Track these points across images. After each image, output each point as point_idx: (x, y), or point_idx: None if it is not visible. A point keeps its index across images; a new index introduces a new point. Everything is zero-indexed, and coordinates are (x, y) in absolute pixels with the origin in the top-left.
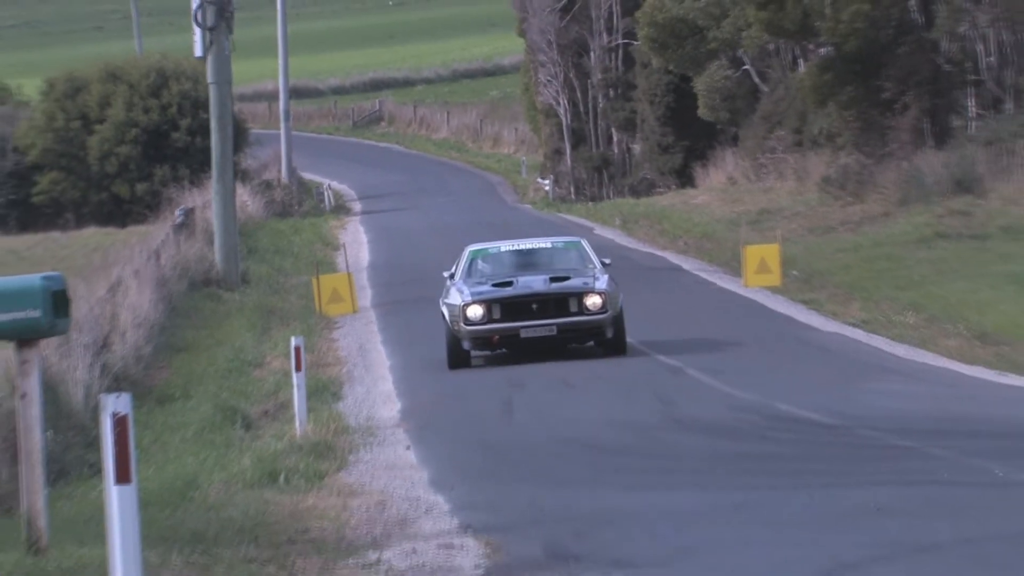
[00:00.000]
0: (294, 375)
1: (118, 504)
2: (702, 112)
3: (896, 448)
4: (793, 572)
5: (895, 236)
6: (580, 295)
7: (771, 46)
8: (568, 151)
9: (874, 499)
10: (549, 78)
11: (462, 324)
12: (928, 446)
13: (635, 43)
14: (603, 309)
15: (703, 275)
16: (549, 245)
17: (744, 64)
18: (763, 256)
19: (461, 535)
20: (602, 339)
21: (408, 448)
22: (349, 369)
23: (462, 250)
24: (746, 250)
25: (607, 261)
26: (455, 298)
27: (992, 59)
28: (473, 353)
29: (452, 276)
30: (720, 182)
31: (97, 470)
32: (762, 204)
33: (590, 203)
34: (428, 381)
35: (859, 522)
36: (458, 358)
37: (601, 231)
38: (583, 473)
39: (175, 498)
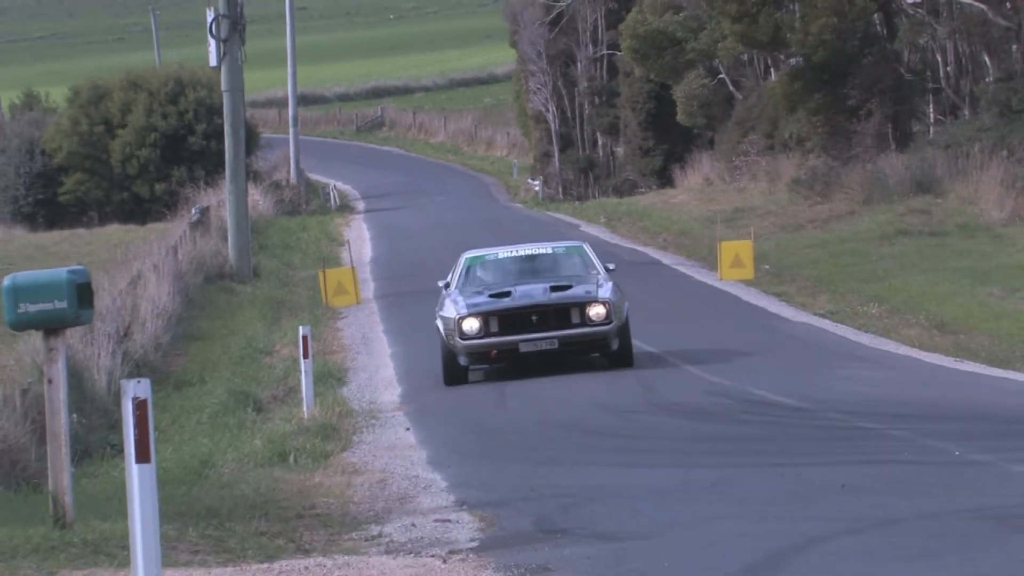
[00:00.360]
0: (302, 362)
1: (138, 482)
2: (680, 118)
3: (861, 430)
4: (765, 545)
5: (860, 233)
6: (582, 305)
7: (745, 57)
8: (556, 154)
9: (840, 477)
10: (539, 86)
11: (457, 338)
12: (890, 428)
13: (618, 54)
14: (607, 320)
15: (681, 269)
16: (550, 251)
17: (720, 73)
18: (737, 252)
19: (457, 510)
20: (607, 351)
21: (407, 430)
22: (353, 356)
23: (458, 256)
24: (721, 246)
25: (611, 267)
26: (450, 310)
27: (950, 69)
28: (471, 368)
29: (448, 285)
30: (697, 183)
31: (119, 450)
32: (736, 203)
33: (577, 202)
34: (427, 368)
35: (826, 498)
36: (454, 374)
37: (587, 228)
38: (570, 453)
39: (191, 476)
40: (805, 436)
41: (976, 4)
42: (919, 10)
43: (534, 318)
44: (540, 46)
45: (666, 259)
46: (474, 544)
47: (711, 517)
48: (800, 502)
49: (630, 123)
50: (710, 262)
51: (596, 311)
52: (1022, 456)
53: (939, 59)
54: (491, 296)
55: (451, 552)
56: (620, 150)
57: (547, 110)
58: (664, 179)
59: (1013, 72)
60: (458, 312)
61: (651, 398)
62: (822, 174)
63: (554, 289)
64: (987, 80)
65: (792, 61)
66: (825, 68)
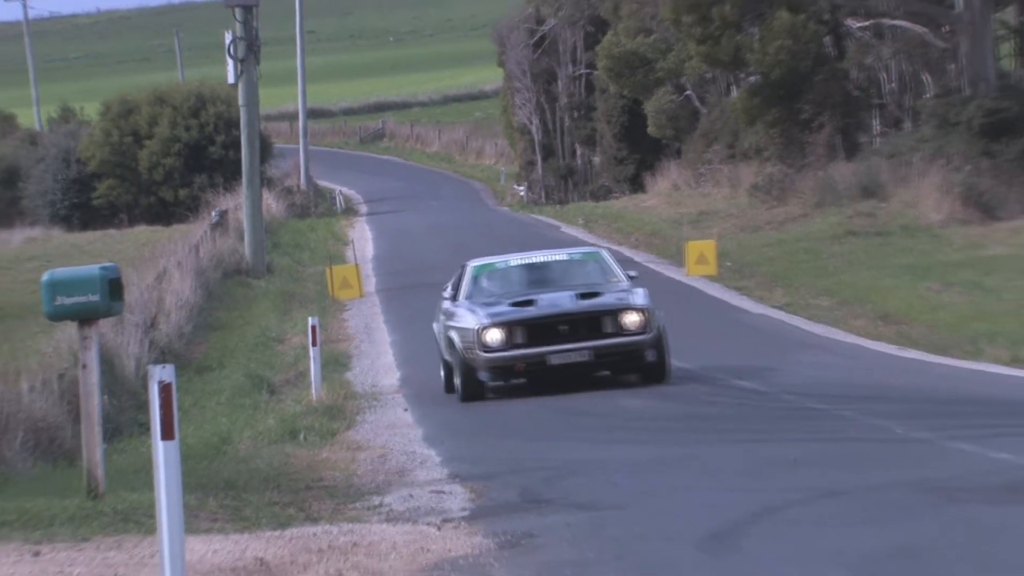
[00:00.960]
0: (310, 349)
1: (163, 457)
2: (651, 130)
3: (812, 410)
4: (728, 513)
5: (812, 233)
6: (616, 313)
7: (709, 75)
8: (539, 162)
9: (793, 453)
10: (524, 102)
11: (478, 351)
12: (838, 408)
13: (595, 72)
14: (643, 328)
15: (652, 266)
16: (565, 257)
17: (686, 90)
18: (702, 250)
19: (450, 483)
20: (641, 364)
21: (406, 410)
22: (357, 344)
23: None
24: (688, 245)
25: (633, 274)
26: (467, 321)
27: (893, 86)
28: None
29: (455, 296)
30: (666, 188)
31: (146, 429)
32: (701, 207)
33: (558, 206)
34: (423, 355)
35: (781, 472)
36: (472, 390)
37: (567, 229)
38: (554, 431)
39: (211, 452)
40: (763, 416)
41: (916, 27)
42: (865, 33)
43: (563, 328)
44: (525, 66)
45: (638, 257)
46: (465, 513)
47: (680, 488)
48: (758, 475)
49: (605, 135)
50: (677, 259)
51: (631, 319)
52: (958, 434)
53: (883, 77)
54: (512, 305)
55: (445, 520)
56: (596, 159)
57: (531, 123)
58: (636, 185)
59: (950, 89)
60: (479, 322)
61: (625, 381)
62: (778, 180)
63: (582, 296)
64: (926, 96)
65: (751, 79)
66: (781, 85)
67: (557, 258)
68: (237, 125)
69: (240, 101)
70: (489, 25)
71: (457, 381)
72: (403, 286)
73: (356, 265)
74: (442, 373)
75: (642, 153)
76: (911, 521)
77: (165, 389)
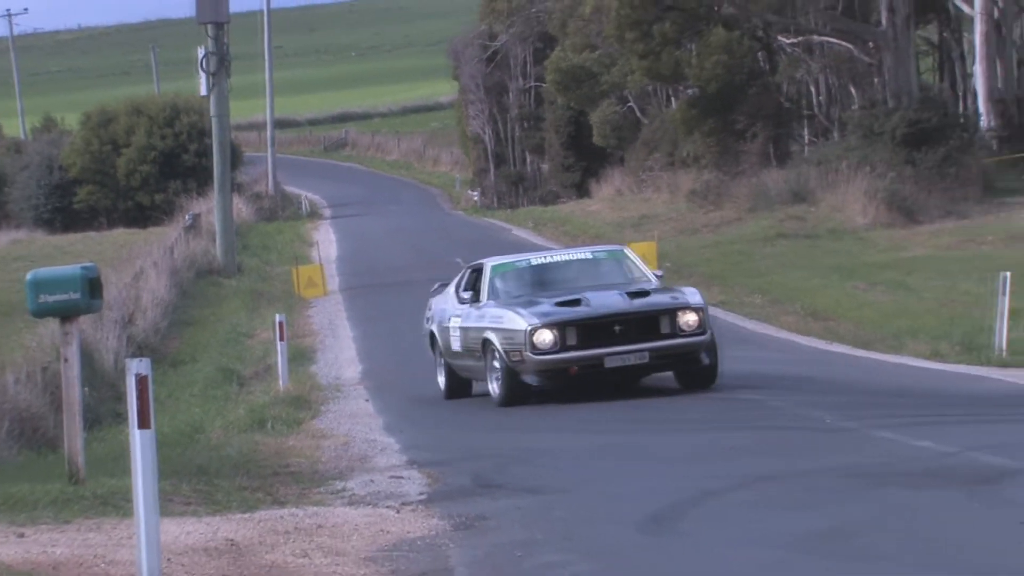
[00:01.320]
0: (278, 344)
1: (140, 445)
2: (596, 139)
3: (747, 401)
4: (668, 497)
5: (746, 236)
6: (674, 312)
7: (650, 88)
8: (492, 169)
9: (729, 441)
10: (477, 113)
11: (528, 353)
12: (771, 399)
13: (544, 85)
14: (700, 329)
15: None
16: (589, 256)
17: (629, 102)
18: (643, 252)
19: (408, 469)
20: (696, 366)
21: (367, 401)
22: (321, 340)
23: (473, 266)
24: (630, 247)
25: (660, 273)
26: (512, 322)
27: (821, 98)
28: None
29: (475, 298)
30: (610, 194)
31: (123, 418)
32: (643, 211)
33: (509, 210)
34: (384, 350)
35: (717, 458)
36: (515, 394)
37: (517, 232)
38: (505, 422)
39: (184, 440)
40: (701, 406)
41: (843, 44)
42: (795, 49)
43: (617, 328)
44: (478, 79)
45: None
46: (423, 497)
47: (623, 474)
48: (697, 462)
49: (553, 143)
50: None
51: (688, 319)
52: (882, 423)
53: (812, 90)
54: (558, 304)
55: (403, 504)
56: (545, 166)
57: (484, 132)
58: (582, 191)
59: (875, 101)
60: (528, 323)
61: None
62: (715, 187)
63: (632, 295)
64: (853, 107)
65: (689, 92)
66: (717, 98)
67: (581, 256)
68: (209, 134)
69: (212, 112)
70: (445, 41)
71: (493, 386)
72: (365, 285)
73: (320, 265)
74: (441, 378)
75: (587, 161)
76: (840, 505)
77: (142, 381)
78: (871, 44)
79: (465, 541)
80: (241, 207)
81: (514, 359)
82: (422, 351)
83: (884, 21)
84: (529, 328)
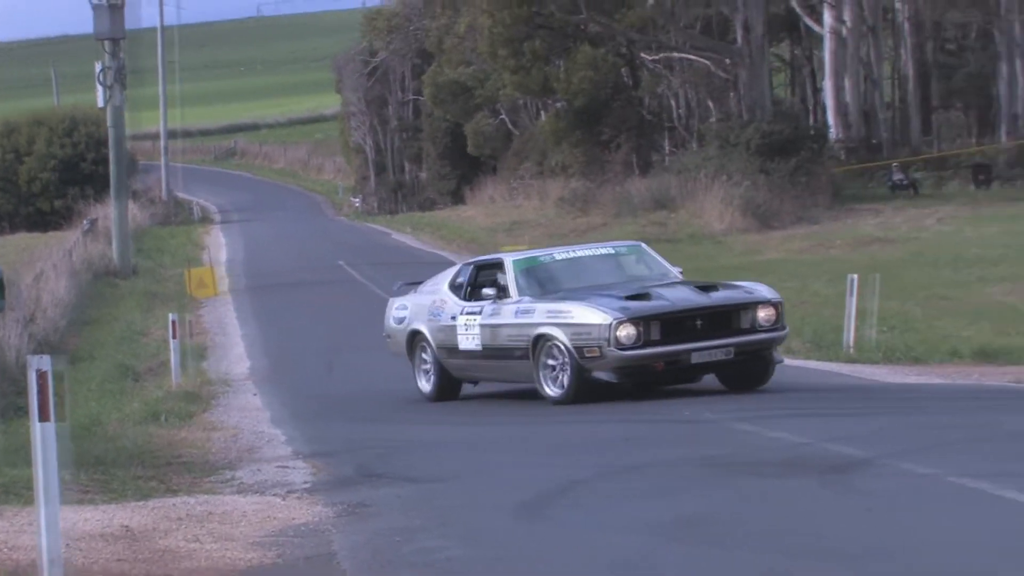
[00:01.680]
0: (171, 342)
1: (40, 437)
2: (470, 149)
3: (614, 397)
4: (540, 486)
5: (611, 240)
6: (754, 307)
7: (521, 101)
8: (373, 177)
9: (598, 433)
10: (359, 124)
11: (611, 348)
12: (637, 394)
13: (422, 98)
14: (777, 324)
15: None
16: (611, 251)
17: (501, 114)
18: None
19: (294, 459)
20: (764, 364)
21: (255, 395)
22: (212, 337)
23: (472, 262)
24: (502, 249)
25: (679, 269)
26: (587, 316)
27: (681, 111)
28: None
29: (500, 294)
30: (483, 200)
31: (25, 412)
32: (514, 217)
33: (389, 216)
34: (271, 347)
35: (580, 450)
36: (582, 392)
37: (397, 236)
38: (386, 414)
39: (83, 432)
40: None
41: (701, 60)
42: (657, 65)
43: (699, 323)
44: (360, 93)
45: (459, 260)
46: (307, 485)
47: (499, 464)
48: (568, 452)
49: (431, 153)
50: None
51: (767, 313)
52: (740, 416)
53: (673, 103)
54: (628, 298)
55: (289, 492)
56: (423, 174)
57: (365, 143)
58: (457, 197)
59: (731, 114)
60: (612, 317)
61: None
62: (581, 194)
63: (702, 289)
64: (710, 120)
65: (558, 105)
66: (584, 111)
67: (604, 251)
68: (106, 144)
69: (108, 123)
70: (329, 57)
71: (547, 385)
72: (253, 286)
73: (211, 267)
74: (429, 380)
75: (463, 169)
76: (700, 493)
77: (42, 376)
78: (728, 61)
79: (347, 527)
80: (136, 212)
81: (588, 355)
82: (309, 347)
83: (740, 39)
84: (613, 322)
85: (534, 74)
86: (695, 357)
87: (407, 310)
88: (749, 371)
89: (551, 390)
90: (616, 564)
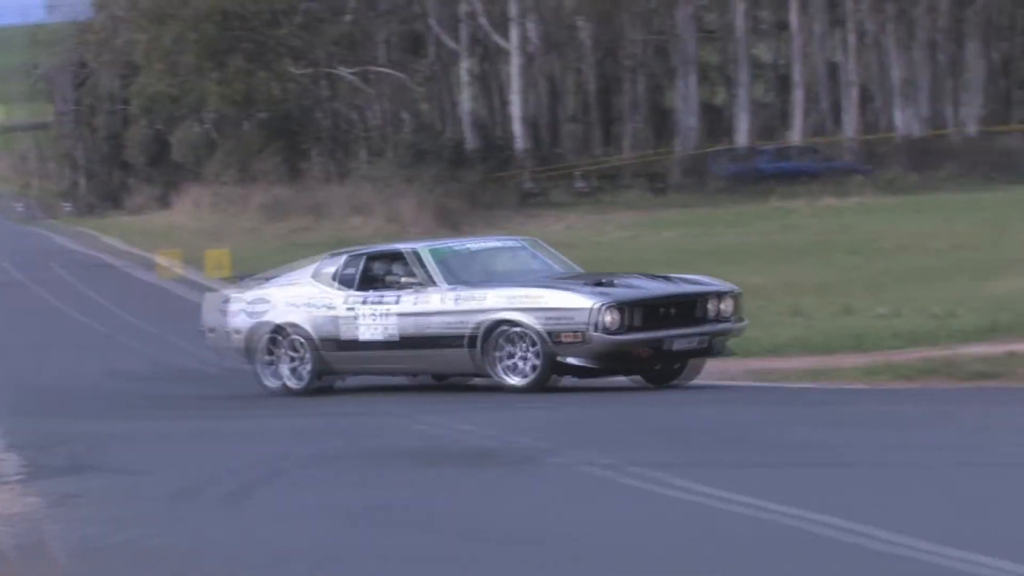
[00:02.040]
0: None
1: None
2: (176, 156)
3: (322, 391)
4: (242, 476)
5: (315, 243)
6: (717, 297)
7: (225, 111)
8: (83, 183)
9: (302, 424)
10: (70, 132)
11: (596, 333)
12: (342, 388)
13: (130, 108)
14: (738, 316)
15: (177, 270)
16: (515, 244)
17: (206, 123)
18: (219, 258)
19: (6, 452)
20: (720, 353)
21: None
22: None
23: (359, 250)
24: (207, 253)
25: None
26: (567, 301)
27: (378, 122)
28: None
29: (429, 280)
30: (189, 206)
31: None
32: (218, 221)
33: (98, 219)
34: None
35: (286, 441)
36: (545, 378)
37: (107, 239)
38: (100, 410)
39: None
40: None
41: (397, 74)
42: (355, 78)
43: (673, 311)
44: (71, 103)
45: (163, 261)
46: (20, 477)
47: (205, 456)
48: (274, 443)
49: (139, 160)
50: (198, 264)
51: (726, 304)
52: (427, 410)
53: (370, 114)
54: (596, 285)
55: (1, 483)
56: (131, 180)
57: (76, 150)
58: (164, 202)
59: (423, 125)
60: (598, 301)
61: (159, 367)
62: (282, 200)
63: (664, 279)
64: (405, 130)
65: (261, 115)
66: (285, 121)
67: (511, 244)
68: None
69: None
70: (42, 68)
71: (502, 374)
72: None
73: None
74: (295, 374)
75: (169, 175)
76: (392, 482)
77: None
78: (421, 75)
79: (58, 517)
80: None
81: (565, 340)
82: (13, 347)
83: (432, 55)
84: (601, 306)
85: (237, 86)
86: (677, 344)
87: (268, 303)
88: (706, 357)
89: (511, 379)
90: (305, 549)
